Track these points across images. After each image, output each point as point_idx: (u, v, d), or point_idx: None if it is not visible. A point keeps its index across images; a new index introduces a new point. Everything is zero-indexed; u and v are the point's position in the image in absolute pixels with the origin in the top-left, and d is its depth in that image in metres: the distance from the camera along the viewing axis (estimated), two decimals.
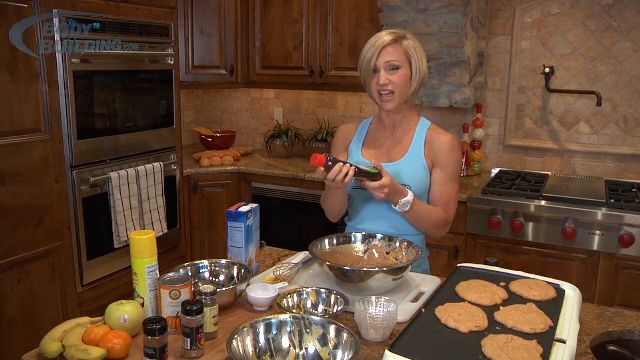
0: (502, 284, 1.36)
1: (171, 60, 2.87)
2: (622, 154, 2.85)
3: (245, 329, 1.12)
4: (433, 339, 1.10)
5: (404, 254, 1.53)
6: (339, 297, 1.33)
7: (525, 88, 3.02)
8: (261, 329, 1.13)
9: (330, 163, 1.45)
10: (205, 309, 1.16)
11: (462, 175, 3.01)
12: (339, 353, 1.09)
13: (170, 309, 1.22)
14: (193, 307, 1.12)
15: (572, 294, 1.32)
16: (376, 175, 1.50)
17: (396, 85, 1.60)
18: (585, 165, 2.95)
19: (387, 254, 1.55)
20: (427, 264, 1.80)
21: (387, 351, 1.02)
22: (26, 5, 2.14)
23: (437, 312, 1.20)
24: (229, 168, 3.27)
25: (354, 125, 1.82)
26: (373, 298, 1.26)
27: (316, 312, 1.33)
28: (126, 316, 1.19)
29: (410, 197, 1.56)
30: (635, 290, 2.34)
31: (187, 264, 1.48)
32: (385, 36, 1.60)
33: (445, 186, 1.66)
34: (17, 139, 2.16)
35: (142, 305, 1.25)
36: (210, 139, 3.60)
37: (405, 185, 1.62)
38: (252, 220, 1.53)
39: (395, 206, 1.57)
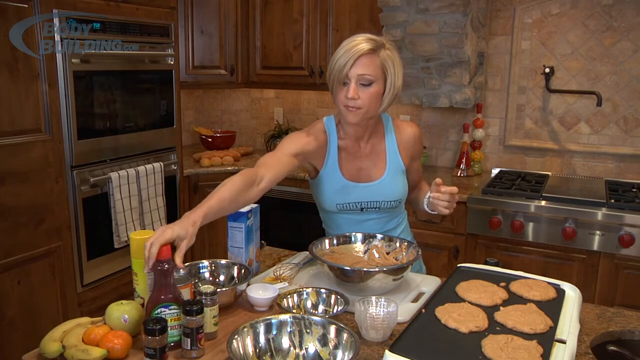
0: (502, 284, 1.36)
1: (171, 60, 2.87)
2: (622, 154, 2.85)
3: (245, 329, 1.12)
4: (433, 339, 1.10)
5: (404, 254, 1.53)
6: (339, 297, 1.33)
7: (525, 88, 3.02)
8: (261, 329, 1.13)
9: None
10: (205, 309, 1.16)
11: (462, 175, 3.01)
12: (339, 353, 1.09)
13: None
14: (193, 307, 1.12)
15: (572, 294, 1.32)
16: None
17: (365, 102, 1.47)
18: (585, 165, 2.95)
19: (387, 254, 1.55)
20: (423, 267, 1.81)
21: (387, 351, 1.02)
22: (26, 5, 2.14)
23: (437, 312, 1.20)
24: (229, 168, 3.27)
25: (321, 139, 1.58)
26: (373, 298, 1.26)
27: (316, 312, 1.33)
28: (126, 316, 1.19)
29: None
30: (635, 290, 2.34)
31: (187, 264, 1.48)
32: (362, 43, 1.46)
33: (420, 169, 1.77)
34: (17, 139, 2.16)
35: (142, 305, 1.25)
36: (210, 139, 3.60)
37: (393, 202, 1.62)
38: (252, 221, 1.53)
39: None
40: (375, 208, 1.63)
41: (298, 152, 1.54)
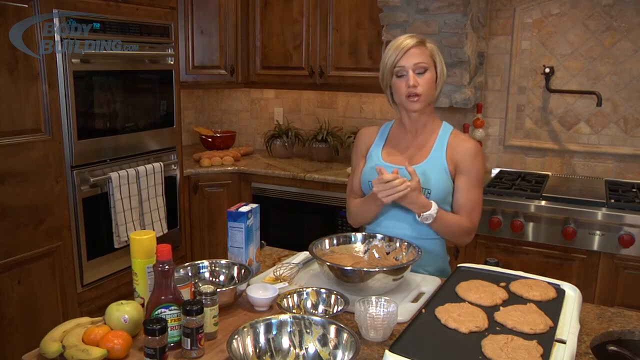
0: (502, 284, 1.37)
1: (171, 60, 2.87)
2: (622, 154, 2.85)
3: (245, 329, 1.12)
4: (433, 339, 1.10)
5: (404, 254, 1.53)
6: (339, 297, 1.33)
7: (525, 88, 3.02)
8: (261, 329, 1.13)
9: None
10: (205, 309, 1.16)
11: None
12: (339, 353, 1.09)
13: None
14: (193, 307, 1.12)
15: (572, 294, 1.32)
16: None
17: (424, 88, 1.59)
18: (585, 165, 2.95)
19: (387, 254, 1.55)
20: (448, 269, 1.77)
21: (387, 351, 1.02)
22: (26, 5, 2.14)
23: (437, 312, 1.20)
24: (229, 168, 3.27)
25: (374, 128, 1.80)
26: (373, 298, 1.26)
27: (316, 312, 1.33)
28: (126, 316, 1.19)
29: (433, 211, 1.55)
30: (635, 290, 2.34)
31: (187, 264, 1.48)
32: (407, 39, 1.60)
33: (469, 192, 1.64)
34: (17, 139, 2.16)
35: (142, 305, 1.25)
36: (210, 139, 3.60)
37: (426, 189, 1.61)
38: (252, 220, 1.53)
39: (418, 217, 1.57)
40: None
41: (362, 154, 1.79)
